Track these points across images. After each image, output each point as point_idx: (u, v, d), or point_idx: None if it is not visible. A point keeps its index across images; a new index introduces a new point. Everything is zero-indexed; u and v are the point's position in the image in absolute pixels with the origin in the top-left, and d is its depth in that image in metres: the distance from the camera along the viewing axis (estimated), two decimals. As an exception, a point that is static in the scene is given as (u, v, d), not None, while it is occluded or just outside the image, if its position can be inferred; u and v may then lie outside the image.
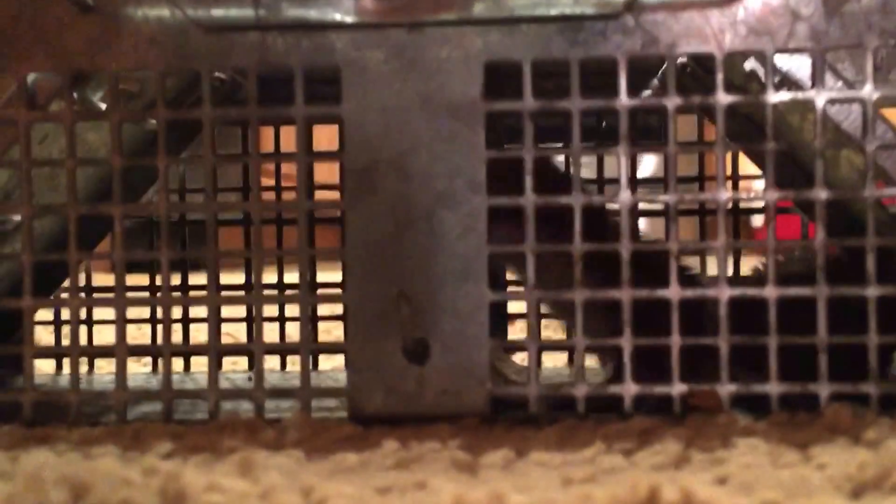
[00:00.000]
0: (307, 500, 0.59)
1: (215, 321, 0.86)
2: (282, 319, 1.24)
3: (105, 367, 1.27)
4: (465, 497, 0.57)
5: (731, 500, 0.55)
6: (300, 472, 0.67)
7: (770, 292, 0.81)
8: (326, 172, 1.21)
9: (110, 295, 0.86)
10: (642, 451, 0.72)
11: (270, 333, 1.05)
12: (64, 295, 1.09)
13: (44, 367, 1.27)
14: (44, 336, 1.29)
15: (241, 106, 0.88)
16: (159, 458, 0.70)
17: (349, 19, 0.83)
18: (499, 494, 0.57)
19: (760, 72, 0.87)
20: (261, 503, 0.58)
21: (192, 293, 1.17)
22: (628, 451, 0.72)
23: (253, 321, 1.22)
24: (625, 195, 0.82)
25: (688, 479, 0.57)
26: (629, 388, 0.82)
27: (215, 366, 0.85)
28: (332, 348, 1.20)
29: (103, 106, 0.89)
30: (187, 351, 1.08)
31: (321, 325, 1.29)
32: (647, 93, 1.12)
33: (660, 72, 1.11)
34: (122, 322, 0.85)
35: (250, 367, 1.26)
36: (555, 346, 1.16)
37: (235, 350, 1.26)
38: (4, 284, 1.03)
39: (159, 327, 1.22)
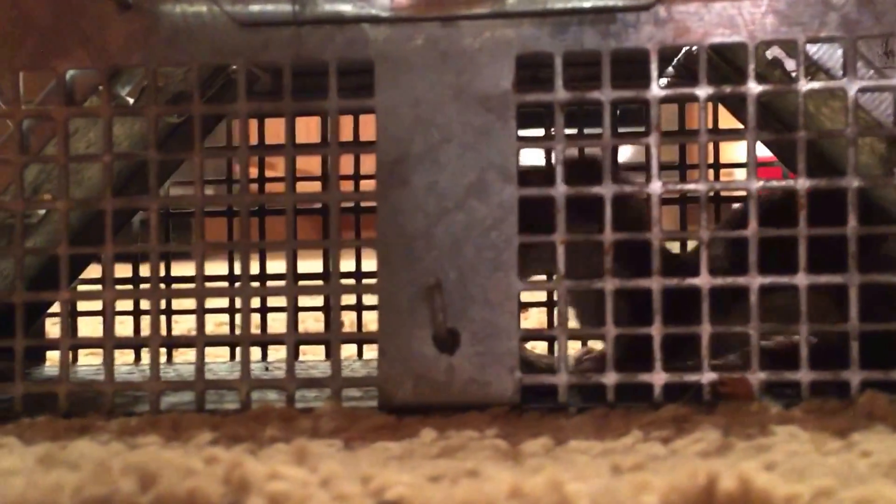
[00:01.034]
0: (366, 489, 0.59)
1: (247, 313, 0.87)
2: (295, 310, 1.24)
3: (118, 358, 1.28)
4: (523, 485, 0.58)
5: (788, 487, 0.56)
6: (352, 460, 0.67)
7: (801, 280, 0.82)
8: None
9: (129, 287, 0.87)
10: (681, 439, 0.72)
11: (279, 324, 1.05)
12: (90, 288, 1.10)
13: (55, 357, 1.27)
14: (51, 329, 1.29)
15: (261, 98, 0.88)
16: (209, 447, 0.71)
17: (384, 13, 0.84)
18: (556, 482, 0.57)
19: (783, 59, 0.87)
20: (322, 491, 0.58)
21: (209, 284, 1.17)
22: (666, 439, 0.73)
23: (267, 312, 1.23)
24: (656, 185, 0.83)
25: (744, 466, 0.57)
26: (659, 377, 0.82)
27: (248, 356, 0.86)
28: (363, 338, 1.19)
29: (131, 101, 0.90)
30: (219, 342, 1.08)
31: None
32: (662, 81, 1.13)
33: (675, 60, 1.12)
34: (156, 314, 0.86)
35: (263, 356, 1.26)
36: (583, 336, 1.11)
37: (269, 341, 1.25)
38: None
39: (174, 318, 1.22)
